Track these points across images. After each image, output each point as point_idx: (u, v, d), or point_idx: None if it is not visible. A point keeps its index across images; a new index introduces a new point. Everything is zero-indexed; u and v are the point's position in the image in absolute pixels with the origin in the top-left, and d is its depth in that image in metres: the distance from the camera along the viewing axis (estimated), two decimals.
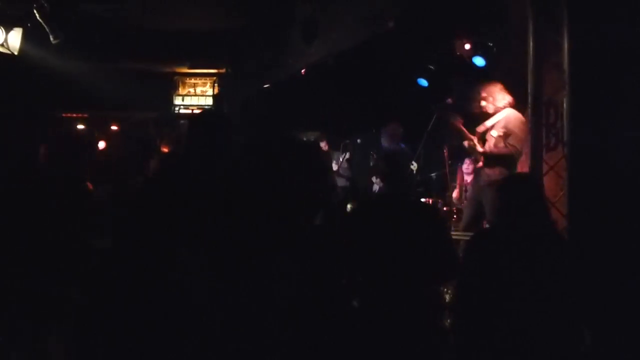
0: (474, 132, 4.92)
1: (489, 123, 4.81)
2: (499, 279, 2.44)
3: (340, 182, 7.37)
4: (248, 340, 1.89)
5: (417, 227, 2.99)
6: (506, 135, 4.61)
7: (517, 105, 4.69)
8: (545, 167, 4.02)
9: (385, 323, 2.60)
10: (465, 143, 4.92)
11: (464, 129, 4.95)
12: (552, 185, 3.95)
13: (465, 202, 5.91)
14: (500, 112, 4.76)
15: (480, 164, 4.89)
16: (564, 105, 3.88)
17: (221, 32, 7.59)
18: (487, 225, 4.70)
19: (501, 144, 4.63)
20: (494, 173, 4.59)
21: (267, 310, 1.85)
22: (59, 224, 2.77)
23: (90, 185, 3.15)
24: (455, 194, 6.28)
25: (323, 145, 7.53)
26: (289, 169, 1.92)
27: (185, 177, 2.27)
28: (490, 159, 4.68)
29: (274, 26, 6.97)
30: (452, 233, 5.28)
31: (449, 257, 3.00)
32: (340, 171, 7.32)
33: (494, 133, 4.70)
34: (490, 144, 4.74)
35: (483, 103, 4.79)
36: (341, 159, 7.34)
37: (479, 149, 4.79)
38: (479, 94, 4.82)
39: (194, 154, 2.33)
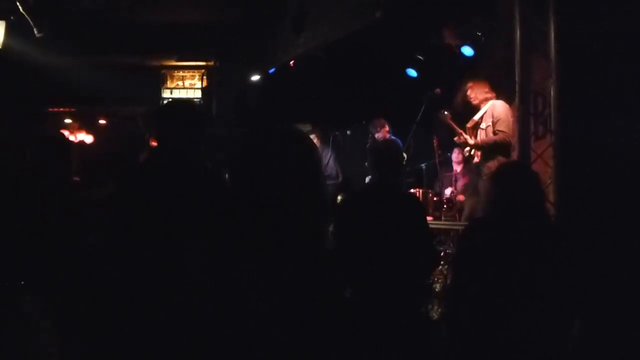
0: (463, 127, 4.92)
1: (476, 117, 4.83)
2: (492, 269, 2.44)
3: (328, 181, 7.35)
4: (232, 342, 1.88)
5: (398, 218, 2.99)
6: (494, 123, 4.63)
7: (508, 94, 4.70)
8: (533, 156, 4.03)
9: (371, 316, 2.59)
10: (456, 139, 4.93)
11: (453, 124, 4.94)
12: (540, 173, 3.95)
13: (455, 191, 5.92)
14: (485, 104, 4.78)
15: (477, 159, 4.84)
16: (552, 93, 3.89)
17: (209, 25, 7.52)
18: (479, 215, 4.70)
19: (491, 133, 4.65)
20: (494, 165, 4.57)
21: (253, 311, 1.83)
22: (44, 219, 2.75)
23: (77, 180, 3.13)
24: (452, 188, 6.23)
25: (314, 139, 7.48)
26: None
27: (158, 171, 2.24)
28: (487, 151, 4.66)
29: (263, 18, 6.93)
30: (444, 222, 5.32)
31: (427, 250, 3.00)
32: (328, 170, 7.26)
33: (483, 125, 4.72)
34: (482, 136, 4.75)
35: (469, 92, 4.80)
36: (329, 157, 7.25)
37: (470, 141, 4.79)
38: (465, 85, 4.83)
39: (164, 147, 2.29)
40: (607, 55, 3.72)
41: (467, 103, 4.88)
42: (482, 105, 4.82)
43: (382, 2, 5.41)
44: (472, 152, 4.89)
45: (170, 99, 9.07)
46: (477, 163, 4.81)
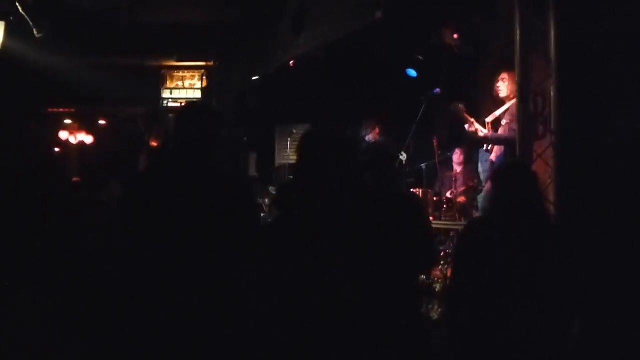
0: (479, 122, 4.86)
1: (498, 112, 4.77)
2: (491, 269, 2.44)
3: None
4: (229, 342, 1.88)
5: (395, 218, 2.99)
6: (511, 121, 4.58)
7: None
8: (533, 156, 4.03)
9: (371, 315, 2.60)
10: (467, 126, 4.84)
11: (467, 115, 4.85)
12: (541, 173, 3.95)
13: (455, 191, 5.90)
14: (510, 101, 4.68)
15: (493, 156, 4.77)
16: (552, 93, 3.89)
17: (209, 25, 7.52)
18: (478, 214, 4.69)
19: (507, 131, 4.61)
20: None
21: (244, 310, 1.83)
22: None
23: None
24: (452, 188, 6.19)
25: None
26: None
27: (173, 171, 2.24)
28: (507, 147, 4.59)
29: (263, 18, 6.93)
30: (444, 222, 5.31)
31: (426, 248, 3.01)
32: None
33: (503, 122, 4.68)
34: (500, 132, 4.71)
35: (499, 84, 4.70)
36: None
37: (481, 133, 4.72)
38: (499, 76, 4.73)
39: (180, 147, 2.29)
40: (607, 55, 3.72)
41: (496, 93, 4.75)
42: (507, 101, 4.72)
43: (382, 2, 5.41)
44: (490, 148, 4.82)
45: (170, 99, 9.08)
46: (492, 161, 4.76)
